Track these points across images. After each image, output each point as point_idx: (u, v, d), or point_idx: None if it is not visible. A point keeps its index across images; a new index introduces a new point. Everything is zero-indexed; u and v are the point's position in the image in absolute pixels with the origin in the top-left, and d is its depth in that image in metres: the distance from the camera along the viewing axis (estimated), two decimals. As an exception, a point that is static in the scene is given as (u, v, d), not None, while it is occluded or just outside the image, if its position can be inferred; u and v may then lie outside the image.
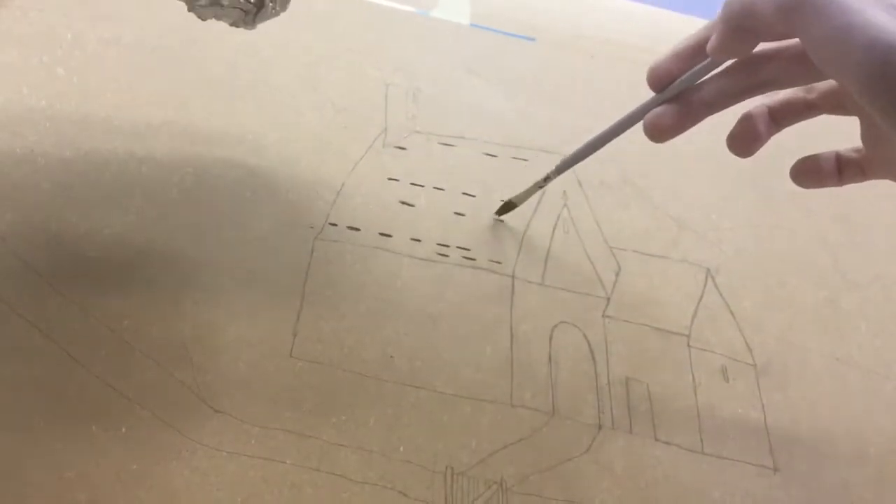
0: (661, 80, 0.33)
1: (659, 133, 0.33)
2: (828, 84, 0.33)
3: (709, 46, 0.30)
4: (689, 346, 0.42)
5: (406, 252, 0.41)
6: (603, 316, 0.42)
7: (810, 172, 0.36)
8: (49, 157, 0.39)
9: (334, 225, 0.41)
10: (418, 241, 0.42)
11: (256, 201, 0.41)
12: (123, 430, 0.33)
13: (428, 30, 0.53)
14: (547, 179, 0.40)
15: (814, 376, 0.43)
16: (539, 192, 0.42)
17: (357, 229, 0.41)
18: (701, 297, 0.45)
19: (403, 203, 0.43)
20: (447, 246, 0.42)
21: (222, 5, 0.30)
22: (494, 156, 0.46)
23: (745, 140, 0.34)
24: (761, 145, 0.34)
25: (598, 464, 0.37)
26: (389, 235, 0.42)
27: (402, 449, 0.35)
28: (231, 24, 0.31)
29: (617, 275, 0.44)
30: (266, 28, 0.48)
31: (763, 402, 0.42)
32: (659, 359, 0.41)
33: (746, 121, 0.34)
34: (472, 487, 0.35)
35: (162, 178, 0.40)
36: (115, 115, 0.41)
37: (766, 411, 0.41)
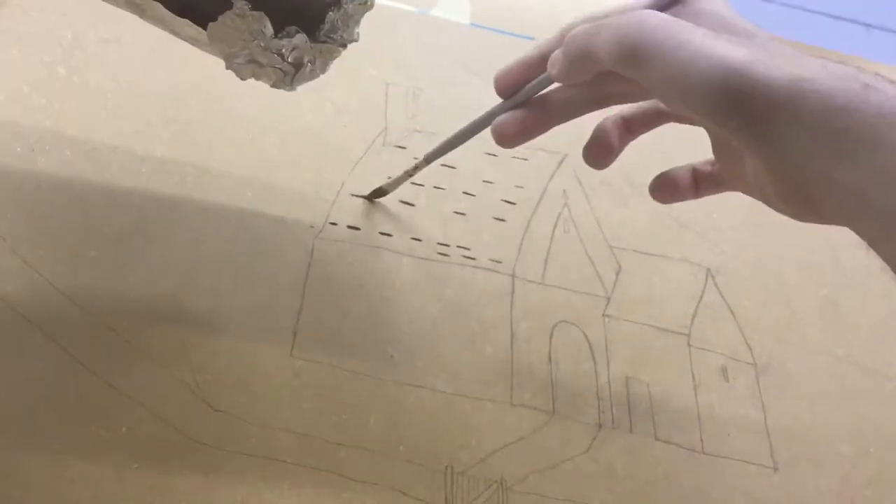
0: (507, 86, 0.33)
1: (504, 139, 0.33)
2: None
3: (551, 71, 0.30)
4: (689, 345, 0.42)
5: (406, 251, 0.41)
6: (603, 315, 0.42)
7: (667, 188, 0.36)
8: (49, 157, 0.39)
9: (334, 224, 0.41)
10: (418, 240, 0.42)
11: (256, 201, 0.41)
12: (123, 430, 0.33)
13: (428, 29, 0.53)
14: (416, 168, 0.39)
15: (814, 376, 0.43)
16: (541, 190, 0.42)
17: (357, 229, 0.41)
18: (701, 296, 0.45)
19: (403, 203, 0.43)
20: (447, 245, 0.42)
21: (261, 64, 0.30)
22: (495, 155, 0.46)
23: (599, 151, 0.34)
24: (616, 156, 0.34)
25: (598, 463, 0.37)
26: (389, 235, 0.42)
27: (402, 448, 0.35)
28: (271, 86, 0.31)
29: (617, 274, 0.44)
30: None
31: (763, 401, 0.42)
32: (659, 358, 0.42)
33: (600, 133, 0.34)
34: (472, 487, 0.35)
35: (162, 178, 0.40)
36: (115, 115, 0.41)
37: (766, 411, 0.41)
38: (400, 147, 0.45)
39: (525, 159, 0.47)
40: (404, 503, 0.34)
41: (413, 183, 0.44)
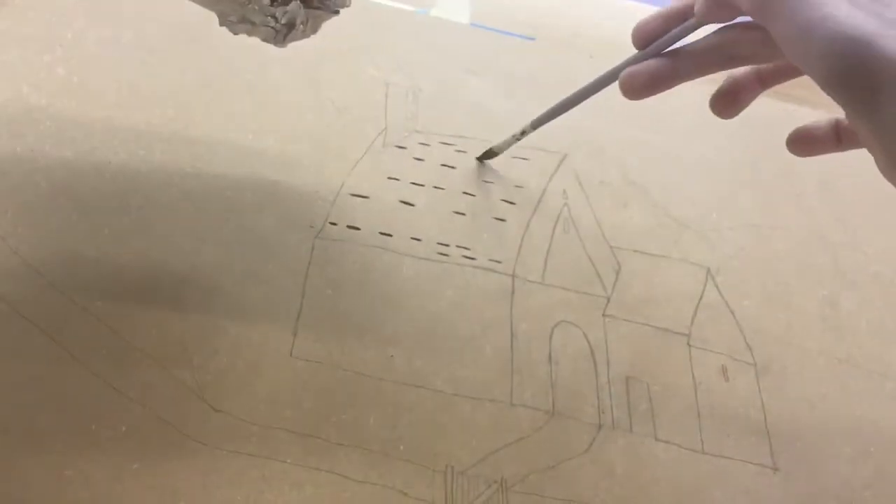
0: (644, 37, 0.33)
1: (633, 89, 0.33)
2: None
3: (696, 7, 0.31)
4: (689, 345, 0.42)
5: (406, 251, 0.41)
6: (603, 315, 0.42)
7: (805, 139, 0.36)
8: (49, 157, 0.39)
9: (334, 224, 0.41)
10: (418, 240, 0.42)
11: (256, 201, 0.41)
12: (123, 429, 0.33)
13: (428, 29, 0.53)
14: (524, 133, 0.41)
15: (814, 376, 0.43)
16: (541, 190, 0.43)
17: (357, 229, 0.41)
18: (701, 296, 0.45)
19: (403, 202, 0.43)
20: (447, 245, 0.42)
21: (253, 23, 0.31)
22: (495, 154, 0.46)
23: (727, 99, 0.34)
24: (744, 106, 0.34)
25: (598, 463, 0.37)
26: (389, 235, 0.42)
27: (402, 448, 0.35)
28: (263, 40, 0.32)
29: (617, 274, 0.44)
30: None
31: (763, 401, 0.42)
32: (659, 358, 0.41)
33: (730, 81, 0.34)
34: (472, 486, 0.35)
35: (162, 178, 0.40)
36: (115, 115, 0.41)
37: (767, 411, 0.41)
38: (400, 147, 0.45)
39: (525, 159, 0.47)
40: (404, 503, 0.34)
41: (413, 183, 0.44)
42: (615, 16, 0.59)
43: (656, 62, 0.33)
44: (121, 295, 0.36)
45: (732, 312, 0.44)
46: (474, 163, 0.46)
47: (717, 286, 0.45)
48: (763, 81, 0.34)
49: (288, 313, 0.38)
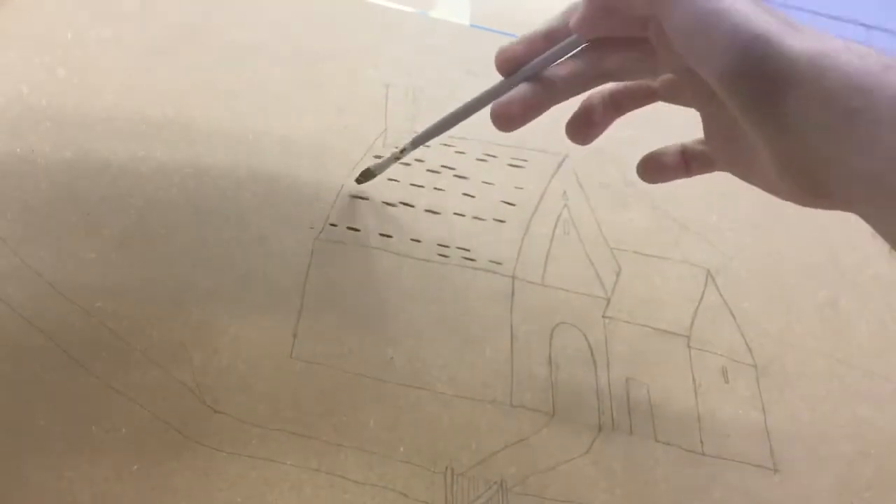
0: (509, 63, 0.32)
1: (506, 120, 0.31)
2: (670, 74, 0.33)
3: (572, 21, 0.29)
4: (689, 346, 0.42)
5: (406, 253, 0.41)
6: (603, 316, 0.42)
7: (654, 167, 0.35)
8: (49, 157, 0.39)
9: (334, 225, 0.41)
10: (418, 241, 0.42)
11: (256, 201, 0.41)
12: (123, 430, 0.33)
13: (428, 30, 0.53)
14: (403, 151, 0.39)
15: (814, 376, 0.43)
16: (541, 192, 0.42)
17: (357, 230, 0.41)
18: (701, 297, 0.45)
19: (403, 203, 0.43)
20: (447, 247, 0.42)
21: None
22: (494, 156, 0.46)
23: (582, 126, 0.33)
24: (599, 132, 0.34)
25: (598, 465, 0.37)
26: (389, 236, 0.42)
27: (402, 449, 0.35)
28: None
29: (617, 275, 0.44)
30: (266, 28, 0.48)
31: (763, 402, 0.42)
32: (659, 360, 0.42)
33: (585, 106, 0.33)
34: (472, 488, 0.35)
35: (162, 178, 0.40)
36: (115, 115, 0.41)
37: (767, 412, 0.41)
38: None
39: (525, 160, 0.47)
40: (404, 504, 0.34)
41: (413, 184, 0.44)
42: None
43: (528, 89, 0.31)
44: (121, 295, 0.36)
45: (732, 314, 0.44)
46: (474, 164, 0.46)
47: (717, 287, 0.45)
48: (617, 107, 0.34)
49: (288, 314, 0.38)
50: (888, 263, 0.50)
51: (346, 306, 0.39)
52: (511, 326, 0.40)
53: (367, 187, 0.42)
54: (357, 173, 0.42)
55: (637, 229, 0.46)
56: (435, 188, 0.44)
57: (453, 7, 0.55)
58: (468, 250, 0.43)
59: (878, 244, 0.50)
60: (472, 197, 0.45)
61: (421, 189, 0.44)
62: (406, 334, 0.39)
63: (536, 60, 0.31)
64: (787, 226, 0.50)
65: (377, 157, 0.44)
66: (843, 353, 0.45)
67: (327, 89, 0.47)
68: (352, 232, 0.41)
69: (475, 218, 0.44)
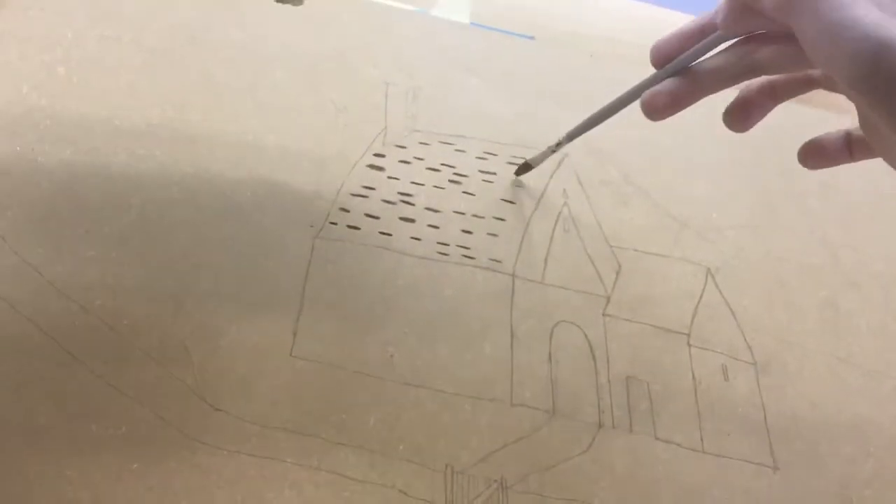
0: (663, 56, 0.33)
1: (655, 110, 0.33)
2: None
3: (718, 19, 0.31)
4: (689, 344, 0.42)
5: (406, 251, 0.41)
6: (603, 314, 0.42)
7: (816, 153, 0.36)
8: (49, 157, 0.39)
9: (334, 224, 0.41)
10: (418, 239, 0.42)
11: (256, 200, 0.41)
12: (123, 429, 0.33)
13: (428, 29, 0.53)
14: (559, 145, 0.41)
15: (814, 376, 0.43)
16: (541, 190, 0.43)
17: (357, 228, 0.41)
18: (701, 295, 0.45)
19: (404, 201, 0.43)
20: (447, 245, 0.42)
21: None
22: (494, 154, 0.46)
23: (741, 113, 0.34)
24: (758, 120, 0.34)
25: (598, 463, 0.37)
26: (389, 234, 0.42)
27: (402, 448, 0.35)
28: (277, 1, 0.31)
29: (617, 273, 0.44)
30: (266, 28, 0.48)
31: (763, 400, 0.42)
32: (659, 358, 0.41)
33: (744, 95, 0.34)
34: (472, 486, 0.35)
35: (162, 179, 0.40)
36: (115, 115, 0.41)
37: (766, 410, 0.41)
38: (400, 147, 0.45)
39: (525, 158, 0.47)
40: (405, 503, 0.34)
41: (413, 182, 0.44)
42: (614, 15, 0.59)
43: (676, 81, 0.33)
44: (121, 294, 0.36)
45: (732, 312, 0.44)
46: (473, 161, 0.46)
47: (717, 286, 0.45)
48: (775, 96, 0.34)
49: (288, 313, 0.38)
50: (888, 263, 0.50)
51: (346, 305, 0.39)
52: (511, 325, 0.40)
53: (367, 185, 0.42)
54: (357, 173, 0.42)
55: (637, 227, 0.46)
56: (435, 186, 0.44)
57: (453, 5, 0.55)
58: (468, 248, 0.43)
59: (878, 244, 0.50)
60: (472, 195, 0.45)
61: (421, 187, 0.44)
62: (406, 333, 0.39)
63: (685, 55, 0.33)
64: (788, 225, 0.50)
65: (377, 154, 0.44)
66: (844, 353, 0.45)
67: (327, 89, 0.47)
68: (352, 230, 0.41)
69: (475, 216, 0.44)
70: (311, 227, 0.41)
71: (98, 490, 0.31)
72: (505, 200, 0.45)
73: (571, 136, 0.40)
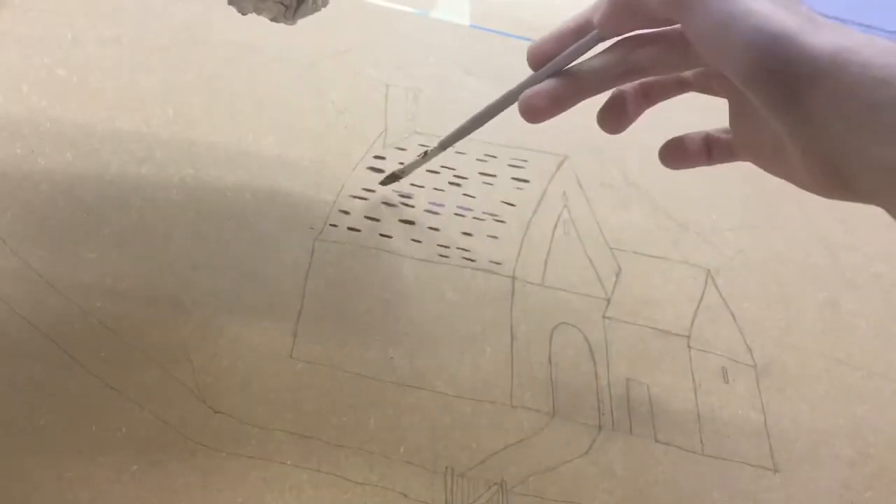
0: (540, 57, 0.32)
1: (534, 112, 0.32)
2: None
3: (595, 18, 0.30)
4: (689, 347, 0.42)
5: (406, 253, 0.41)
6: (603, 317, 0.42)
7: (676, 153, 0.35)
8: (49, 157, 0.39)
9: (334, 226, 0.41)
10: (418, 241, 0.42)
11: (256, 202, 0.41)
12: (123, 430, 0.33)
13: (427, 30, 0.53)
14: (427, 154, 0.39)
15: (814, 377, 0.43)
16: (541, 192, 0.42)
17: (357, 230, 0.41)
18: (701, 298, 0.45)
19: (404, 204, 0.43)
20: (447, 247, 0.42)
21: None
22: (494, 157, 0.46)
23: (614, 115, 0.33)
24: (630, 122, 0.33)
25: (598, 465, 0.37)
26: (389, 236, 0.42)
27: (402, 450, 0.35)
28: (271, 20, 0.31)
29: (617, 276, 0.44)
30: (266, 28, 0.48)
31: (763, 402, 0.42)
32: (659, 360, 0.41)
33: (616, 96, 0.33)
34: (472, 488, 0.35)
35: (162, 178, 0.40)
36: (115, 115, 0.41)
37: (767, 412, 0.41)
38: (400, 148, 0.45)
39: (525, 160, 0.47)
40: (404, 505, 0.34)
41: (412, 184, 0.44)
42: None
43: (556, 82, 0.31)
44: (121, 296, 0.36)
45: (732, 314, 0.44)
46: (474, 164, 0.46)
47: (717, 288, 0.45)
48: (648, 97, 0.34)
49: (288, 314, 0.38)
50: (888, 263, 0.50)
51: (347, 306, 0.39)
52: (511, 327, 0.40)
53: (367, 187, 0.42)
54: (357, 175, 0.42)
55: (637, 230, 0.46)
56: (435, 188, 0.44)
57: (453, 7, 0.55)
58: (468, 250, 0.43)
59: (878, 244, 0.50)
60: (473, 197, 0.45)
61: (421, 189, 0.44)
62: (406, 334, 0.39)
63: (562, 55, 0.31)
64: (788, 226, 0.50)
65: (377, 156, 0.44)
66: (843, 353, 0.45)
67: (327, 89, 0.47)
68: (352, 232, 0.41)
69: (475, 218, 0.44)
70: (311, 228, 0.41)
71: (98, 492, 0.31)
72: (505, 202, 0.45)
73: (444, 145, 0.38)
